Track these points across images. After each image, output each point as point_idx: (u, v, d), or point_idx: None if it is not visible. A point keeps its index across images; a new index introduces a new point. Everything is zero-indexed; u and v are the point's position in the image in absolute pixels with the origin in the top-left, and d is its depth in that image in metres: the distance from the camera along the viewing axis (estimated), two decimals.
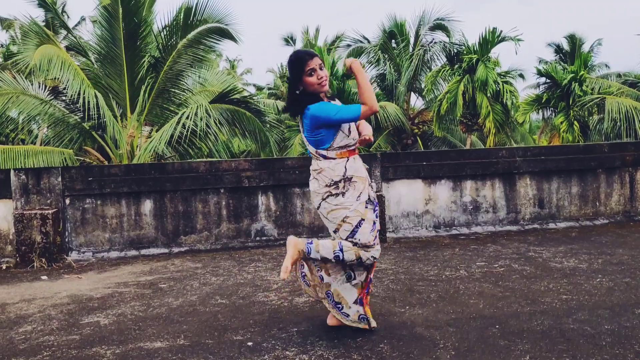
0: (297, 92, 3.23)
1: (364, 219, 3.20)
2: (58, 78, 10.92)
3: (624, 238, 6.13)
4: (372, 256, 3.23)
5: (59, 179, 6.16)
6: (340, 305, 3.37)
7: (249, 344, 3.27)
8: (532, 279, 4.51)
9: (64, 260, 6.05)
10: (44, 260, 5.92)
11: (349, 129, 3.23)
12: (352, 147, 3.26)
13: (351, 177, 3.20)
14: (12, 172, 6.15)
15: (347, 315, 3.37)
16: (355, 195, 3.20)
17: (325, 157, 3.22)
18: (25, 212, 5.98)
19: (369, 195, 3.26)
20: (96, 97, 10.33)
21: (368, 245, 3.20)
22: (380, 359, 2.97)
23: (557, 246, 5.83)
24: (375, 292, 4.26)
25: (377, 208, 3.34)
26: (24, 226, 5.95)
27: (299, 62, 3.17)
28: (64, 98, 12.52)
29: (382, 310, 3.79)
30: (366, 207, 3.23)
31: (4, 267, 6.00)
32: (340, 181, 3.19)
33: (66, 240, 6.25)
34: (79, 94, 10.49)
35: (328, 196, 3.21)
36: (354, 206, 3.19)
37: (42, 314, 4.12)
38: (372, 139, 3.30)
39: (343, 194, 3.20)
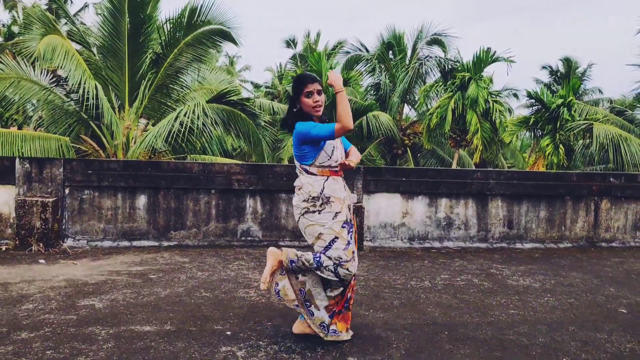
0: (295, 110, 3.55)
1: (337, 237, 3.41)
2: (61, 67, 11.25)
3: (582, 262, 6.63)
4: (347, 270, 3.41)
5: (61, 169, 6.58)
6: (308, 303, 3.57)
7: (228, 333, 3.72)
8: (488, 293, 4.99)
9: (60, 246, 6.47)
10: (41, 244, 6.33)
11: (332, 151, 3.51)
12: (335, 169, 3.51)
13: (329, 197, 3.42)
14: (17, 160, 6.55)
15: (312, 314, 3.57)
16: (331, 215, 3.42)
17: (307, 172, 3.49)
18: (27, 199, 6.39)
19: (346, 217, 3.48)
20: (96, 88, 10.70)
21: (342, 260, 3.40)
22: (340, 353, 3.43)
23: (518, 265, 6.32)
24: None
25: (352, 229, 3.53)
26: (25, 212, 6.35)
27: (300, 83, 3.49)
28: (64, 85, 12.90)
29: None
30: (342, 227, 3.44)
31: (3, 249, 6.40)
32: (317, 198, 3.42)
33: (63, 227, 6.66)
34: (79, 84, 10.86)
35: (306, 212, 3.45)
36: (329, 224, 3.41)
37: (42, 294, 4.54)
38: (354, 166, 3.57)
39: (319, 211, 3.42)
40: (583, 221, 7.78)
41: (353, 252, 3.47)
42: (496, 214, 7.59)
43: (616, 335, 3.90)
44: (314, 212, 3.44)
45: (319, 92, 3.50)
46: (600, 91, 34.52)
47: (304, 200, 3.49)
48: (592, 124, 18.44)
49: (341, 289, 3.55)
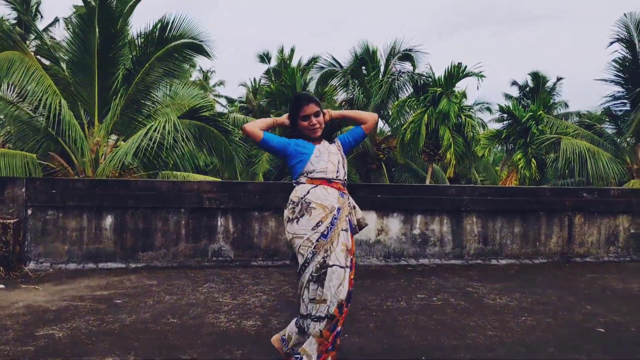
0: (295, 132, 3.37)
1: (314, 254, 3.04)
2: (18, 84, 10.87)
3: (557, 279, 6.59)
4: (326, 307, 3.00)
5: (23, 189, 6.31)
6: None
7: None
8: (465, 314, 4.89)
9: (22, 269, 6.18)
10: (1, 268, 6.03)
11: (317, 161, 3.21)
12: (329, 178, 3.20)
13: (309, 203, 3.10)
14: None
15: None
16: (311, 223, 3.07)
17: (297, 183, 3.26)
18: None
19: (327, 229, 3.07)
20: (60, 104, 10.39)
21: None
22: None
23: (494, 282, 6.25)
24: None
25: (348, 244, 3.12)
26: None
27: (296, 106, 3.34)
28: (31, 101, 12.55)
29: None
30: (320, 240, 3.04)
31: None
32: (297, 203, 3.13)
33: (25, 250, 6.38)
34: (39, 101, 10.55)
35: (287, 222, 3.15)
36: (308, 235, 3.06)
37: None
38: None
39: (297, 219, 3.09)
40: (557, 236, 7.77)
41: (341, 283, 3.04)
42: (471, 230, 7.54)
43: (595, 356, 3.82)
44: (292, 220, 3.14)
45: (316, 114, 3.32)
46: (566, 104, 35.21)
47: (285, 209, 3.24)
48: (560, 138, 18.66)
49: (324, 322, 3.03)
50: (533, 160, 20.24)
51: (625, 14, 17.03)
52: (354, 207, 3.32)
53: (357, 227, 3.30)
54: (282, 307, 4.96)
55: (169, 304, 4.97)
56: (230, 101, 40.94)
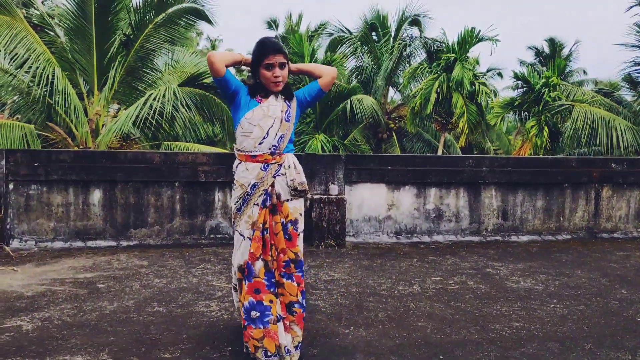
0: (258, 81, 3.07)
1: (234, 224, 3.15)
2: (8, 49, 10.33)
3: (585, 257, 6.04)
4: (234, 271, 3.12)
5: (2, 162, 5.82)
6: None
7: None
8: (486, 300, 4.37)
9: (3, 249, 5.72)
10: None
11: (247, 124, 3.04)
12: (252, 153, 3.05)
13: (234, 180, 3.14)
14: None
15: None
16: (234, 197, 3.13)
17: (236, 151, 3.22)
18: None
19: (251, 202, 3.05)
20: (54, 74, 9.85)
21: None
22: None
23: (516, 262, 5.71)
24: (323, 308, 4.07)
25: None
26: None
27: (260, 52, 2.99)
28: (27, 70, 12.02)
29: (326, 331, 3.59)
30: (238, 212, 3.10)
31: None
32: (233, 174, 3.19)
33: (8, 227, 5.91)
34: (29, 68, 10.03)
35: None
36: (233, 208, 3.17)
37: None
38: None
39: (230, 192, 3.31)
40: (583, 210, 7.18)
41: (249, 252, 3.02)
42: (489, 204, 6.96)
43: None
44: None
45: (281, 66, 2.98)
46: (584, 72, 34.15)
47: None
48: (573, 105, 17.82)
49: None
50: (546, 128, 19.49)
51: None
52: (288, 168, 3.11)
53: (291, 189, 3.10)
54: None
55: (157, 289, 4.49)
56: (239, 70, 40.17)
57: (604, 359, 3.22)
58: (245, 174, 3.04)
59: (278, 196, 3.08)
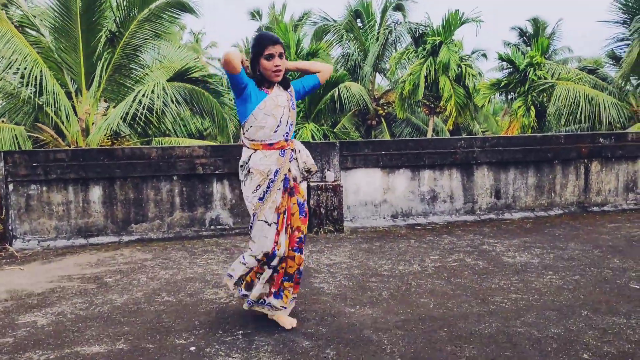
0: (258, 73, 3.22)
1: (255, 214, 3.26)
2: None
3: (577, 231, 6.21)
4: (251, 255, 3.31)
5: (1, 163, 5.86)
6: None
7: (192, 348, 3.15)
8: (484, 275, 4.51)
9: (6, 249, 5.79)
10: None
11: (261, 114, 3.21)
12: (269, 141, 3.25)
13: (250, 168, 3.25)
14: None
15: (246, 295, 3.49)
16: (252, 187, 3.25)
17: (245, 140, 3.35)
18: None
19: (275, 188, 3.25)
20: (42, 74, 9.84)
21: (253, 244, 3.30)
22: None
23: (511, 239, 5.87)
24: (327, 290, 4.19)
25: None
26: None
27: (260, 44, 3.16)
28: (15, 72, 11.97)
29: (332, 311, 3.72)
30: (257, 202, 3.25)
31: None
32: (243, 167, 3.30)
33: (9, 228, 5.97)
34: (18, 69, 10.01)
35: (241, 183, 3.36)
36: (250, 199, 3.28)
37: None
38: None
39: (244, 182, 3.30)
40: (573, 186, 7.35)
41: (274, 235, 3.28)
42: (482, 183, 7.11)
43: (636, 318, 3.44)
44: (242, 182, 3.35)
45: (280, 56, 3.16)
46: (569, 50, 34.39)
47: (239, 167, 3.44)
48: (556, 83, 17.95)
49: (269, 271, 3.35)
50: (532, 107, 19.67)
51: None
52: (299, 152, 3.34)
53: (304, 171, 3.34)
54: None
55: (164, 280, 4.59)
56: None
57: (600, 323, 3.37)
58: (263, 160, 3.22)
59: (295, 179, 3.31)
